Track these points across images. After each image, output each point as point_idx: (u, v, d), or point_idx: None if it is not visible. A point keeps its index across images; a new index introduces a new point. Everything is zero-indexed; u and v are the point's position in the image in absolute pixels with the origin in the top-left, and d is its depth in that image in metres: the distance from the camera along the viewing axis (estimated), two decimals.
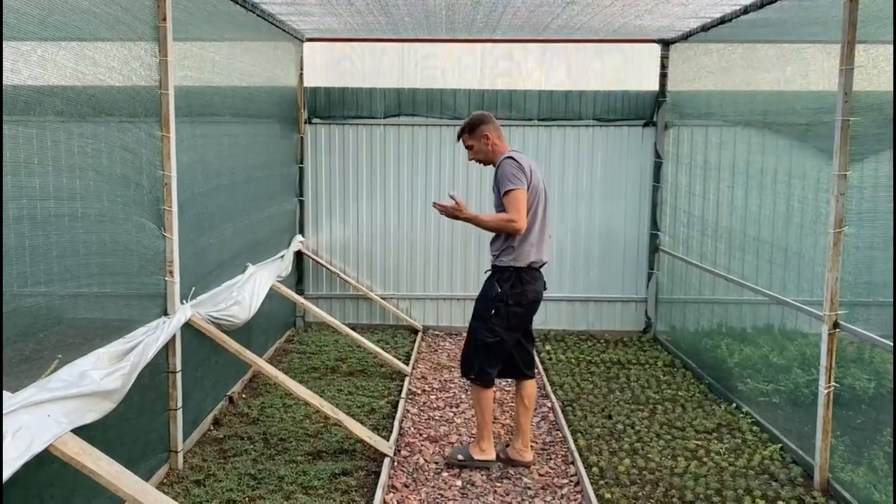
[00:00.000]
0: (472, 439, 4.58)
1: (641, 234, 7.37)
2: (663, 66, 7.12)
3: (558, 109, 7.26)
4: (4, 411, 2.45)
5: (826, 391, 3.96)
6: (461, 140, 4.38)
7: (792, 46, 4.75)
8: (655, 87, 7.20)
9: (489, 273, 4.31)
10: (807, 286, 4.47)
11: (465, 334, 4.71)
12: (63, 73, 2.94)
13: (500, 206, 4.11)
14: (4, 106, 2.53)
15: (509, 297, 4.15)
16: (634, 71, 7.35)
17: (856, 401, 3.96)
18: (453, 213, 4.17)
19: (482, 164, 4.42)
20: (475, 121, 4.33)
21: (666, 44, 7.04)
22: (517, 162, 4.11)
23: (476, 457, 4.35)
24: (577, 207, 7.37)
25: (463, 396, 5.58)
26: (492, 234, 4.29)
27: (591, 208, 7.36)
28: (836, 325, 3.93)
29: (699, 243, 6.17)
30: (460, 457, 4.36)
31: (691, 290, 6.40)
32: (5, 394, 2.51)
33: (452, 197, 4.18)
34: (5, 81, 2.52)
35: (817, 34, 4.47)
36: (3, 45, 2.49)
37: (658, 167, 7.22)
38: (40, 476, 2.83)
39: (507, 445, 4.49)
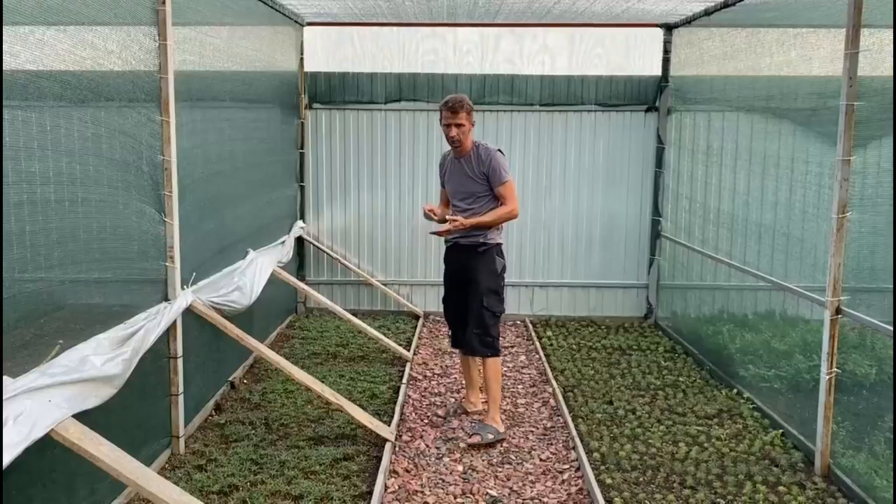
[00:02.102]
0: (480, 417, 4.81)
1: (643, 219, 7.35)
2: (666, 51, 7.07)
3: (560, 94, 7.22)
4: (6, 396, 2.44)
5: (828, 377, 3.96)
6: (458, 116, 4.43)
7: (796, 31, 4.71)
8: (658, 71, 7.15)
9: (483, 250, 4.57)
10: (809, 272, 4.46)
11: None
12: (62, 57, 2.92)
13: (484, 194, 4.53)
14: (4, 90, 2.51)
15: (505, 268, 4.70)
16: (637, 56, 7.30)
17: (857, 387, 3.96)
18: (456, 228, 4.46)
19: (455, 148, 4.56)
20: (470, 103, 4.54)
21: (669, 28, 6.99)
22: (504, 155, 4.62)
23: (501, 430, 4.59)
24: (579, 193, 7.34)
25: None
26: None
27: (592, 194, 7.34)
28: (838, 310, 3.92)
29: (701, 229, 6.15)
30: (490, 436, 4.49)
31: (693, 276, 6.39)
32: (6, 379, 2.51)
33: (450, 219, 4.48)
34: (3, 66, 2.50)
35: (822, 18, 4.44)
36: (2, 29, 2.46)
37: (660, 152, 7.19)
38: (42, 461, 2.84)
39: (463, 399, 5.07)
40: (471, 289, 4.62)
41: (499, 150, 4.58)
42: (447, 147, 4.68)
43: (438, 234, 4.59)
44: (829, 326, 3.94)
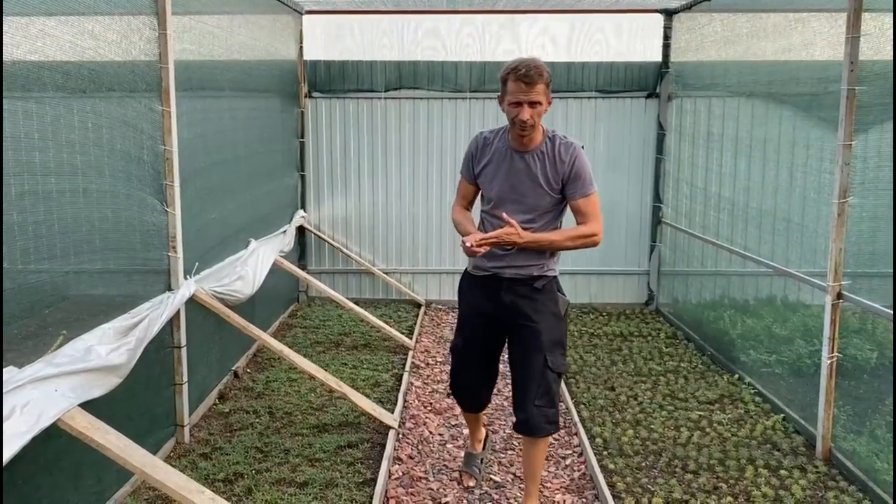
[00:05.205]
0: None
1: (644, 206, 7.34)
2: (666, 37, 7.04)
3: (560, 81, 7.20)
4: (12, 386, 2.46)
5: (829, 361, 3.98)
6: (534, 89, 2.99)
7: (797, 15, 4.70)
8: (658, 57, 7.13)
9: (542, 286, 3.28)
10: (810, 257, 4.46)
11: None
12: (62, 48, 2.92)
13: (552, 209, 3.26)
14: (4, 80, 2.51)
15: (569, 307, 3.46)
16: (637, 42, 7.28)
17: (858, 371, 3.98)
18: (508, 241, 3.07)
19: (522, 138, 3.14)
20: (549, 72, 3.06)
21: (669, 14, 6.96)
22: None
23: None
24: None
25: None
26: None
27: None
28: (839, 295, 3.93)
29: (702, 215, 6.16)
30: None
31: (694, 263, 6.40)
32: (13, 369, 2.53)
33: (508, 219, 3.07)
34: (4, 56, 2.50)
35: (823, 2, 4.43)
36: (3, 19, 2.46)
37: (661, 139, 7.17)
38: (49, 450, 2.86)
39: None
40: (526, 341, 3.25)
41: (582, 147, 3.25)
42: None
43: (480, 245, 3.01)
44: (830, 311, 3.96)
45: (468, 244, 3.00)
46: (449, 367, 3.70)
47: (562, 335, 3.29)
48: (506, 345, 3.45)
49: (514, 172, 3.20)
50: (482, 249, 3.03)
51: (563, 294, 3.37)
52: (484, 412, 3.80)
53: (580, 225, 3.24)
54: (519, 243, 3.09)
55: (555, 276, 3.35)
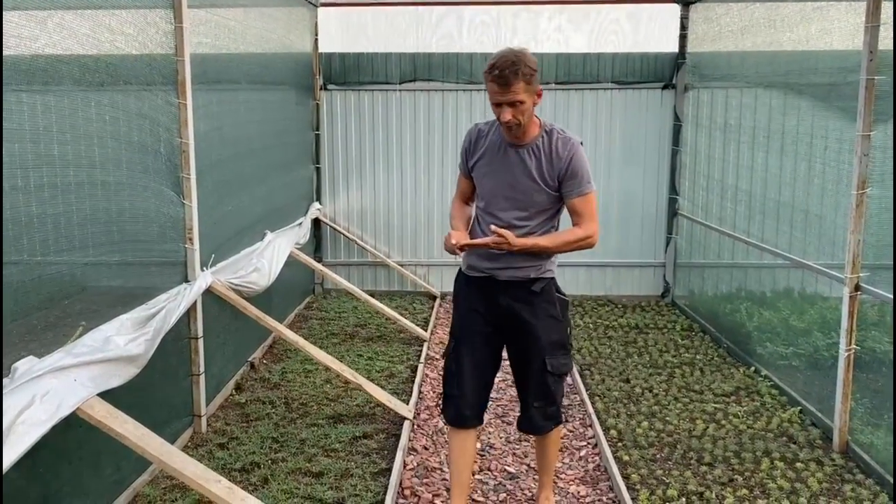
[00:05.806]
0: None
1: (660, 198, 7.31)
2: (683, 27, 7.00)
3: (576, 72, 7.17)
4: (32, 376, 2.50)
5: (847, 354, 3.95)
6: (511, 89, 2.83)
7: (815, 4, 4.64)
8: (675, 48, 7.08)
9: (539, 289, 3.14)
10: (827, 249, 4.43)
11: None
12: (80, 41, 2.94)
13: (548, 208, 3.10)
14: (23, 74, 2.54)
15: (568, 306, 3.30)
16: (653, 32, 7.22)
17: (876, 363, 3.94)
18: (497, 247, 2.98)
19: (511, 133, 3.00)
20: (532, 65, 2.86)
21: (686, 4, 6.91)
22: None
23: None
24: (596, 172, 7.21)
25: None
26: None
27: (609, 173, 7.30)
28: (857, 287, 3.90)
29: (719, 207, 6.12)
30: None
31: (710, 255, 6.36)
32: (33, 359, 2.56)
33: (496, 230, 2.94)
34: (23, 50, 2.53)
35: None
36: (22, 13, 2.49)
37: (677, 130, 7.13)
38: (69, 439, 2.90)
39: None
40: (524, 345, 3.18)
41: (581, 144, 3.07)
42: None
43: (467, 246, 3.00)
44: (847, 303, 3.93)
45: (453, 242, 2.96)
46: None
47: (562, 336, 3.19)
48: (504, 354, 3.36)
49: (507, 167, 3.06)
50: (461, 253, 3.04)
51: (563, 294, 3.25)
52: (475, 456, 3.49)
53: (574, 227, 3.11)
54: (511, 251, 2.99)
55: (552, 278, 3.21)
